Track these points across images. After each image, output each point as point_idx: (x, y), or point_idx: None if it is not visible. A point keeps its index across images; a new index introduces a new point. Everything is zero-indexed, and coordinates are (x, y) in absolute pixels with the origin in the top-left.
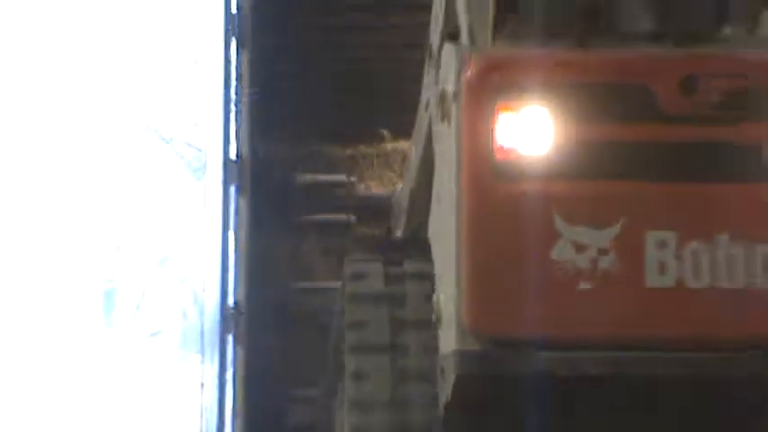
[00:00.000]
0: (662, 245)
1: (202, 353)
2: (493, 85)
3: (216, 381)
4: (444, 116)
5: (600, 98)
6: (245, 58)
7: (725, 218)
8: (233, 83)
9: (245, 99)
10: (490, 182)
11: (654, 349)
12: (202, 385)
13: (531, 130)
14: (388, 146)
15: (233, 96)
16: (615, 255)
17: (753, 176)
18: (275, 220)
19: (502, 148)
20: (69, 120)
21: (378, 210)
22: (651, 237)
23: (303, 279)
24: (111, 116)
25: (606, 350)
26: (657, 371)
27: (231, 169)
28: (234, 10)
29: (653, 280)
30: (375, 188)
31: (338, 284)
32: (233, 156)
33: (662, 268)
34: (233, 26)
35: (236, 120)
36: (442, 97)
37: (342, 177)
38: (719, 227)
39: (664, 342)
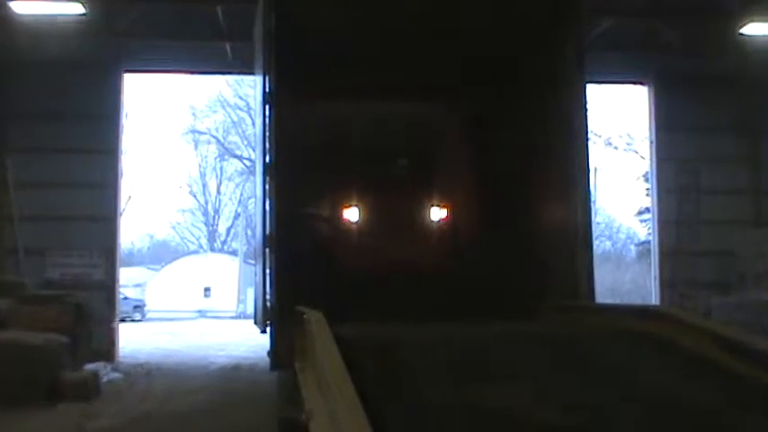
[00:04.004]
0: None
1: (255, 258)
2: None
3: (261, 272)
4: None
5: None
6: (274, 113)
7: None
8: (267, 126)
9: (272, 133)
10: None
11: None
12: (255, 274)
13: None
14: None
15: (267, 132)
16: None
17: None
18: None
19: None
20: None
21: None
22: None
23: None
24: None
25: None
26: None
27: (267, 168)
28: (267, 90)
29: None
30: None
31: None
32: (268, 161)
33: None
34: (267, 98)
35: (269, 143)
36: None
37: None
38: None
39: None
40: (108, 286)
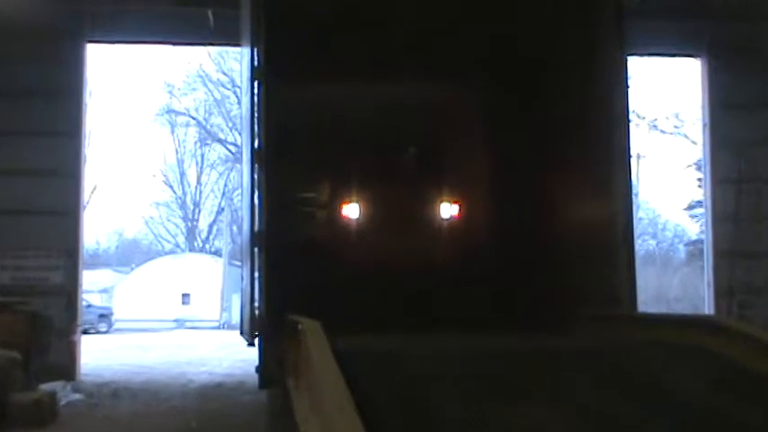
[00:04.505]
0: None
1: (241, 259)
2: None
3: (249, 274)
4: None
5: None
6: (264, 91)
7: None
8: (256, 106)
9: (262, 114)
10: None
11: None
12: (242, 277)
13: None
14: None
15: (255, 114)
16: None
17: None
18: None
19: None
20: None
21: None
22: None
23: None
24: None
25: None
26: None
27: (256, 154)
28: (256, 64)
29: None
30: None
31: None
32: (256, 146)
33: None
34: (255, 73)
35: (258, 125)
36: None
37: None
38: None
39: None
40: (68, 292)
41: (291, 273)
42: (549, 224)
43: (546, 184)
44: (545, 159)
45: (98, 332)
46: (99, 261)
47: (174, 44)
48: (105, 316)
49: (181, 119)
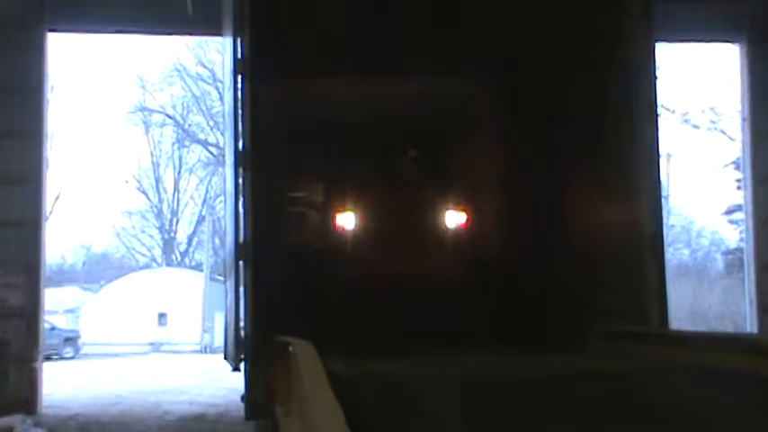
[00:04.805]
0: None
1: (224, 274)
2: None
3: (233, 290)
4: None
5: None
6: (247, 85)
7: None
8: (239, 102)
9: (247, 112)
10: None
11: None
12: (226, 293)
13: None
14: None
15: (240, 111)
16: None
17: None
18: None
19: None
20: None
21: None
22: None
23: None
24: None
25: None
26: None
27: (240, 157)
28: (239, 56)
29: None
30: None
31: None
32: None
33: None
34: (239, 66)
35: (242, 124)
36: None
37: None
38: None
39: None
40: (29, 313)
41: (281, 289)
42: (567, 232)
43: (563, 188)
44: (562, 160)
45: (63, 358)
46: (64, 278)
47: (148, 33)
48: (71, 340)
49: (156, 117)
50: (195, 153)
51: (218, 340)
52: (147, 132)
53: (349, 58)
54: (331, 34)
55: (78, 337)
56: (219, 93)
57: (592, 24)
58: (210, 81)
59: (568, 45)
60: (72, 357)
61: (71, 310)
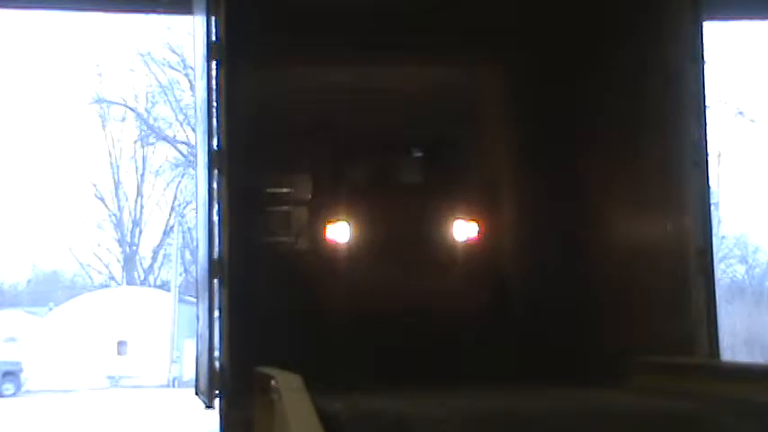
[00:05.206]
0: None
1: (197, 294)
2: None
3: (207, 314)
4: None
5: None
6: (222, 74)
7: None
8: (214, 93)
9: (222, 104)
10: None
11: None
12: (198, 318)
13: None
14: None
15: (214, 103)
16: None
17: None
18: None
19: None
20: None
21: None
22: None
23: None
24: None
25: None
26: None
27: (214, 157)
28: (214, 39)
29: None
30: None
31: None
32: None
33: None
34: (213, 51)
35: (217, 119)
36: None
37: None
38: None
39: None
40: None
41: (262, 312)
42: (598, 246)
43: (593, 194)
44: (592, 161)
45: (2, 396)
46: (5, 300)
47: (103, 11)
48: (12, 374)
49: (115, 111)
50: (162, 153)
51: (189, 373)
52: (104, 127)
53: (343, 39)
54: (322, 10)
55: (20, 370)
56: (190, 81)
57: (629, 2)
58: (180, 68)
59: (603, 25)
60: (13, 395)
61: (12, 339)
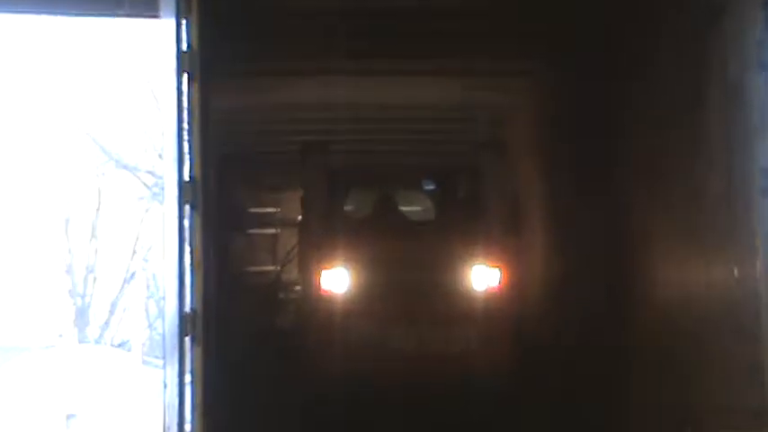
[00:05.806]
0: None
1: (164, 355)
2: None
3: (176, 379)
4: None
5: None
6: (195, 89)
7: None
8: (185, 113)
9: (195, 126)
10: None
11: None
12: (165, 384)
13: None
14: None
15: (185, 125)
16: None
17: None
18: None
19: None
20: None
21: None
22: None
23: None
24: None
25: None
26: None
27: (186, 190)
28: (185, 48)
29: None
30: None
31: None
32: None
33: None
34: (184, 61)
35: (189, 143)
36: None
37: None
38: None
39: None
40: None
41: (244, 378)
42: (647, 291)
43: (640, 226)
44: (639, 189)
45: None
46: None
47: (59, 15)
48: None
49: (68, 134)
50: (121, 184)
51: None
52: (54, 154)
53: (335, 50)
54: (314, 12)
55: None
56: (155, 98)
57: None
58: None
59: (653, 18)
60: None
61: None
